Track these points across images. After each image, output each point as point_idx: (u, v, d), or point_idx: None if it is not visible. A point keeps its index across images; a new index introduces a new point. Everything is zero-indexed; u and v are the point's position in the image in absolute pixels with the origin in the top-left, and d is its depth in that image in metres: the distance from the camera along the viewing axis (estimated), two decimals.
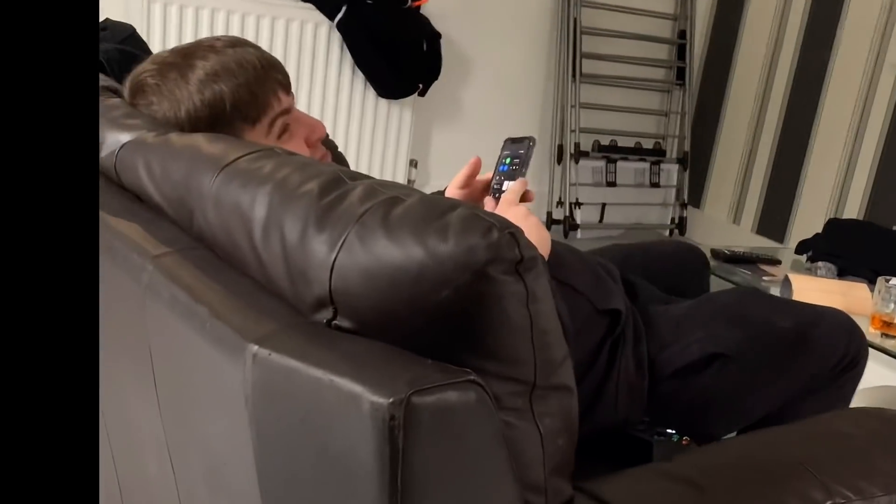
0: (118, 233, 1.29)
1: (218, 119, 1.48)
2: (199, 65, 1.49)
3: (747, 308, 1.85)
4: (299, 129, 1.58)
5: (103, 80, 1.62)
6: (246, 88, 1.50)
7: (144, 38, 2.24)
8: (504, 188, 1.59)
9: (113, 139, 1.40)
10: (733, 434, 1.81)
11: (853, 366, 1.83)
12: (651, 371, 1.69)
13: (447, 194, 1.68)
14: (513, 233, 0.94)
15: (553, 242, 1.56)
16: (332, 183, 1.04)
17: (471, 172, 1.64)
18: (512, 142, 1.66)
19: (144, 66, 1.53)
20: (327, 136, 2.10)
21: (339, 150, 2.22)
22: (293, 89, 1.60)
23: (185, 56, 1.51)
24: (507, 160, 1.63)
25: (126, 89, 1.54)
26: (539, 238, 1.46)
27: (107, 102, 1.50)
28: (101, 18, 2.22)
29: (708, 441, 1.71)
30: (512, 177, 1.59)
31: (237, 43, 1.53)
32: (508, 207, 1.52)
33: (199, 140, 1.28)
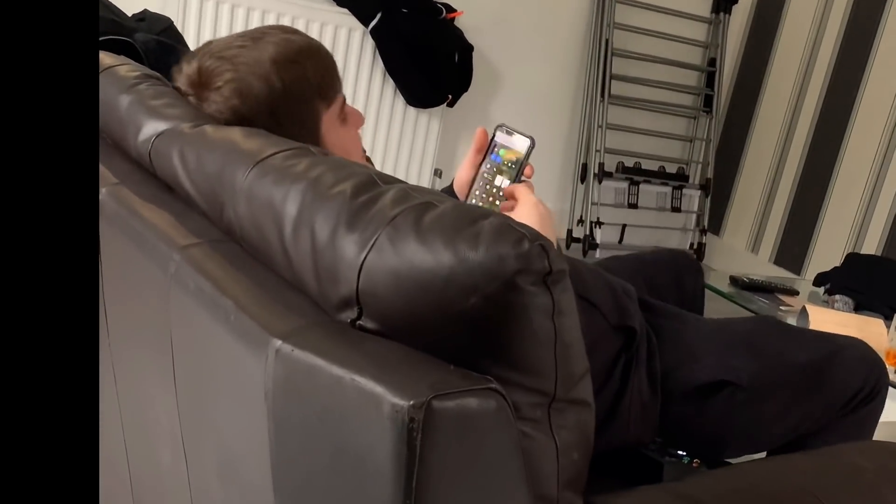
0: (147, 221, 1.30)
1: (300, 97, 1.48)
2: (272, 46, 1.48)
3: (762, 339, 1.84)
4: (353, 119, 1.60)
5: (144, 69, 1.62)
6: (323, 68, 1.51)
7: (180, 31, 2.25)
8: (497, 182, 1.57)
9: (151, 127, 1.41)
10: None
11: (871, 398, 1.81)
12: (662, 389, 1.69)
13: (459, 173, 1.66)
14: (543, 244, 0.94)
15: (571, 259, 1.56)
16: (366, 185, 1.05)
17: (478, 147, 1.60)
18: (507, 132, 1.60)
19: (207, 54, 1.49)
20: None
21: (367, 153, 2.23)
22: None
23: (254, 40, 1.48)
24: (501, 152, 1.60)
25: (185, 80, 1.50)
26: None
27: (147, 90, 1.50)
28: (140, 10, 2.24)
29: (718, 464, 1.71)
30: (504, 173, 1.57)
31: (297, 31, 1.53)
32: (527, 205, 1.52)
33: (235, 134, 1.29)
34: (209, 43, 1.52)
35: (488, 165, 1.58)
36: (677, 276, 2.25)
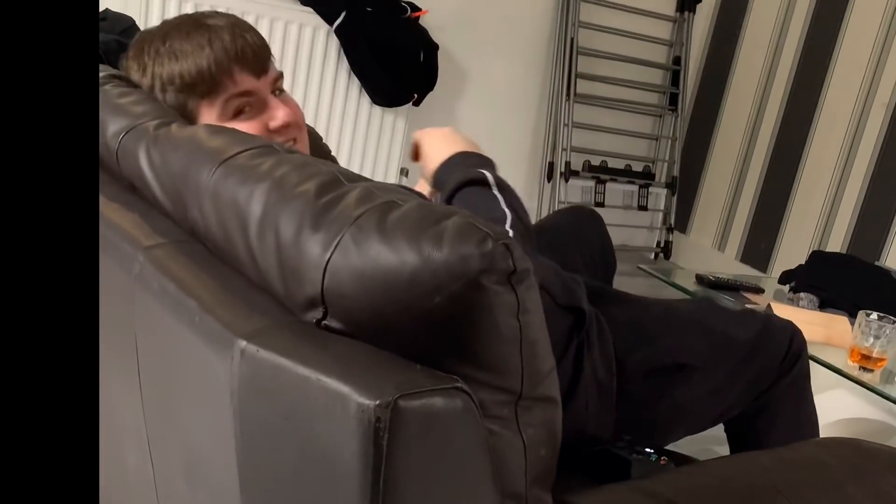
0: (111, 222, 1.29)
1: (178, 92, 1.55)
2: (170, 43, 1.56)
3: (708, 320, 1.91)
4: (260, 114, 1.60)
5: (108, 68, 1.62)
6: (204, 68, 1.54)
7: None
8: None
9: (116, 126, 1.40)
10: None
11: (797, 357, 1.92)
12: (620, 372, 1.71)
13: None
14: (507, 244, 0.94)
15: None
16: (330, 184, 1.05)
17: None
18: None
19: (146, 32, 1.62)
20: (319, 137, 2.12)
21: (333, 154, 2.22)
22: (287, 88, 1.64)
23: (165, 33, 1.58)
24: None
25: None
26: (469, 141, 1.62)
27: (113, 90, 1.50)
28: (101, 9, 2.22)
29: (685, 461, 1.72)
30: None
31: (214, 27, 1.57)
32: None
33: (200, 132, 1.28)
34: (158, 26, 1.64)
35: None
36: (579, 232, 2.28)
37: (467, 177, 1.47)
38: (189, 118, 1.55)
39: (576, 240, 2.24)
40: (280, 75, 1.63)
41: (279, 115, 1.58)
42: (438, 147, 1.60)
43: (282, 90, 1.65)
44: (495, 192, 1.46)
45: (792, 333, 1.94)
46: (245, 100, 1.57)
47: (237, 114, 1.57)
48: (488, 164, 1.54)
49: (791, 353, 1.92)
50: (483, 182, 1.47)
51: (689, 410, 1.83)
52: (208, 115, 1.57)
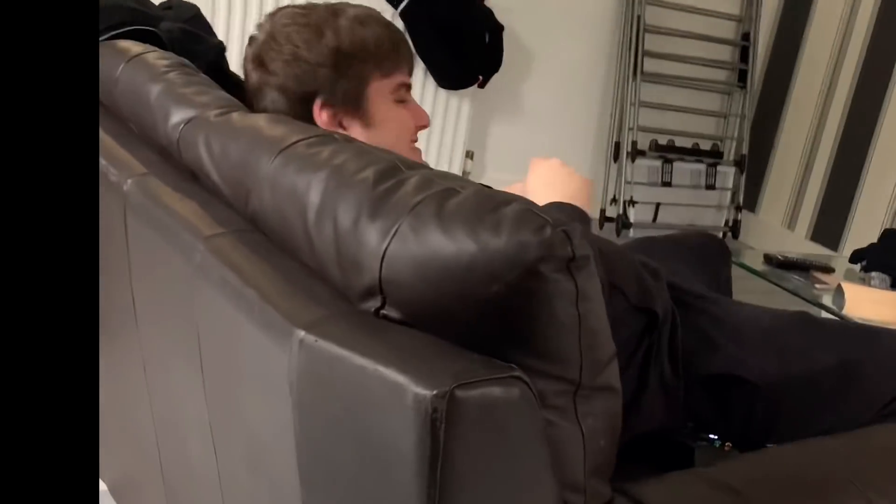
0: (172, 211, 1.30)
1: (357, 59, 1.57)
2: (348, 11, 1.61)
3: (787, 336, 1.76)
4: (414, 110, 1.65)
5: (174, 56, 1.63)
6: (388, 40, 1.59)
7: (209, 19, 2.25)
8: None
9: (179, 115, 1.41)
10: None
11: None
12: (684, 373, 1.66)
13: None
14: (566, 230, 0.93)
15: (598, 239, 1.55)
16: (388, 171, 1.04)
17: None
18: None
19: (281, 16, 1.63)
20: None
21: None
22: None
23: (335, 10, 1.62)
24: None
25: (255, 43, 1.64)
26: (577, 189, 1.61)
27: (177, 78, 1.51)
28: None
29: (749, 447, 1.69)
30: None
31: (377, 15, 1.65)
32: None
33: (260, 121, 1.28)
34: (280, 14, 1.66)
35: None
36: (707, 262, 2.22)
37: None
38: (355, 95, 1.59)
39: (704, 269, 2.18)
40: None
41: (427, 116, 1.65)
42: (539, 187, 1.63)
43: None
44: None
45: None
46: (406, 92, 1.63)
47: (399, 101, 1.63)
48: (579, 216, 1.54)
49: None
50: None
51: (755, 428, 1.67)
52: (378, 92, 1.61)
